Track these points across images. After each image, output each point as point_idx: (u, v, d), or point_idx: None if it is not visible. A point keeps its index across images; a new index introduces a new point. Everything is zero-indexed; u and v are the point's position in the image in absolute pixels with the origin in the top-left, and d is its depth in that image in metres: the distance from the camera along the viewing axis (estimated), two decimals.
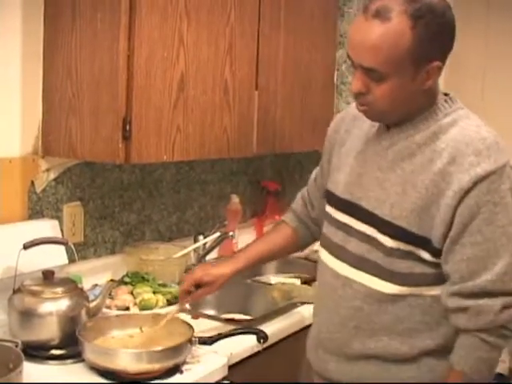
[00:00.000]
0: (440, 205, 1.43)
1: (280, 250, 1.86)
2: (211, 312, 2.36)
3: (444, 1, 1.44)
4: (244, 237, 3.08)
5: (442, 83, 3.12)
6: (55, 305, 1.77)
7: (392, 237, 1.48)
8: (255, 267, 1.89)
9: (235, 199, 2.92)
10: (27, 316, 1.76)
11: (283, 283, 2.55)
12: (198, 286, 1.77)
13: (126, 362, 1.62)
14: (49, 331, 1.76)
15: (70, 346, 1.74)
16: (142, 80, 2.01)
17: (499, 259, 1.40)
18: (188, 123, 2.19)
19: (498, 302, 1.41)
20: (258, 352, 1.93)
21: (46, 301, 1.77)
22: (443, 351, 1.51)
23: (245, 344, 1.82)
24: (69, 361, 1.73)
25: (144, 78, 2.01)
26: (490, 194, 1.39)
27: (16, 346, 1.57)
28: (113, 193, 2.46)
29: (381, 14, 1.38)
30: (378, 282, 1.51)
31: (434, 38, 1.40)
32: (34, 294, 1.78)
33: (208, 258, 2.79)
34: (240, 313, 2.36)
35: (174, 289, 2.17)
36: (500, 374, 3.10)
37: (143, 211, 2.60)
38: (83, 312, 1.81)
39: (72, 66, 2.07)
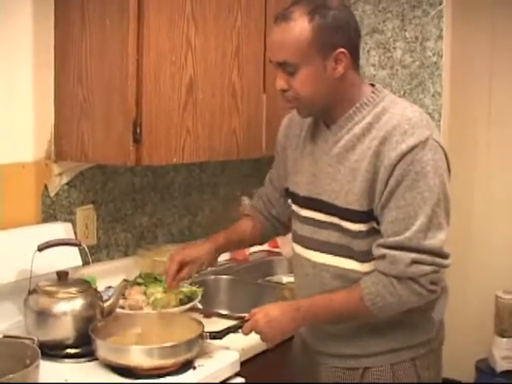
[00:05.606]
0: (378, 180, 1.62)
1: (248, 239, 2.06)
2: (223, 312, 2.39)
3: None
4: None
5: (448, 86, 3.19)
6: (69, 305, 1.80)
7: (352, 221, 1.67)
8: (228, 250, 2.12)
9: (246, 201, 2.95)
10: (42, 316, 1.79)
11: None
12: (181, 268, 1.87)
13: (140, 358, 1.65)
14: (64, 330, 1.79)
15: (84, 345, 1.77)
16: (151, 84, 2.05)
17: (416, 220, 1.59)
18: (197, 125, 2.23)
19: (409, 256, 1.59)
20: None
21: (60, 301, 1.80)
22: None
23: (256, 340, 1.84)
24: (84, 359, 1.76)
25: (153, 81, 2.05)
26: (412, 165, 1.59)
27: (33, 343, 1.60)
28: (125, 196, 2.50)
29: (286, 17, 1.64)
30: (352, 262, 1.70)
31: (331, 28, 1.63)
32: (48, 294, 1.81)
33: (220, 259, 2.81)
34: None
35: (187, 289, 2.20)
36: (508, 372, 3.11)
37: (155, 214, 2.64)
38: (97, 311, 1.84)
39: (82, 71, 2.12)
